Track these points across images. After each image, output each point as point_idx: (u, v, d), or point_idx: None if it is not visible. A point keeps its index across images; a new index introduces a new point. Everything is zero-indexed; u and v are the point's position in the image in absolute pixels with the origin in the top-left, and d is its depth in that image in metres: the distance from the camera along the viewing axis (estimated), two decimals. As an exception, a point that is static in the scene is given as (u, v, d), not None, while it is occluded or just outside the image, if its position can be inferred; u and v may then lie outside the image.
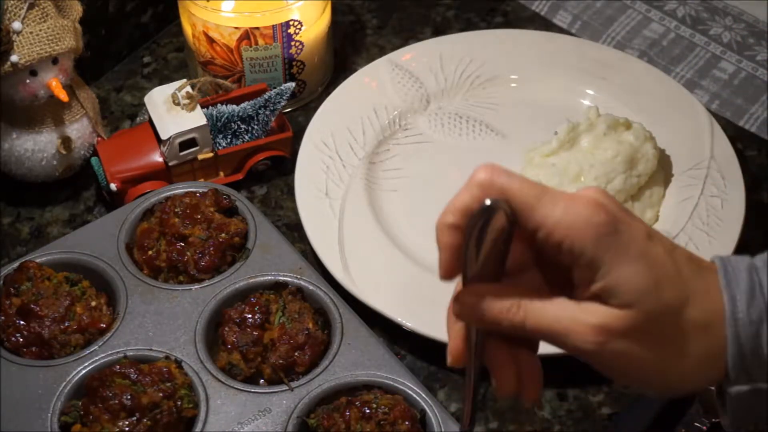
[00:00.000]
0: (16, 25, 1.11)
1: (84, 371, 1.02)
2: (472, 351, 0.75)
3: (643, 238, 0.70)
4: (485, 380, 1.09)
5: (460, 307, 0.74)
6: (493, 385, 0.76)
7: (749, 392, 0.72)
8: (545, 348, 1.07)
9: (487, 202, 0.69)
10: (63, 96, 1.15)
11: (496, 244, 0.70)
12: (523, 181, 0.70)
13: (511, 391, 0.75)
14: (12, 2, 1.11)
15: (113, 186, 1.19)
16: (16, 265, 1.10)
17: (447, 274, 0.73)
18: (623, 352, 0.70)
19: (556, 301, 0.71)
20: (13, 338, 1.05)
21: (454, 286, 1.13)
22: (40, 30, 1.13)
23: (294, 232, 1.22)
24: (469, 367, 0.76)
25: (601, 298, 0.70)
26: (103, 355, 1.04)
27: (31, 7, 1.12)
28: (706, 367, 0.72)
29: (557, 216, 0.69)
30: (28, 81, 1.14)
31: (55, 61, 1.15)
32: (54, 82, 1.15)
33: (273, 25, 1.25)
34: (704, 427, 1.04)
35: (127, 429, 0.97)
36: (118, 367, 1.00)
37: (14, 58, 1.12)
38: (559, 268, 0.72)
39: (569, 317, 0.70)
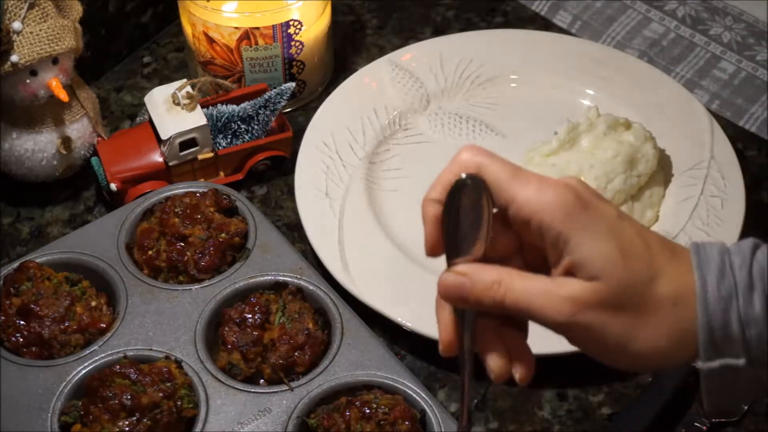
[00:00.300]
0: (16, 25, 1.11)
1: (84, 371, 1.02)
2: (463, 339, 0.76)
3: (612, 217, 0.73)
4: (485, 380, 1.09)
5: (444, 288, 0.75)
6: (487, 370, 0.77)
7: (720, 369, 0.73)
8: (545, 348, 1.08)
9: (462, 175, 0.73)
10: (63, 96, 1.15)
11: (472, 218, 0.73)
12: (502, 161, 0.74)
13: (504, 373, 0.77)
14: (12, 2, 1.11)
15: (113, 186, 1.19)
16: (16, 265, 1.10)
17: (432, 250, 0.76)
18: (593, 324, 0.72)
19: (533, 277, 0.74)
20: (13, 338, 1.05)
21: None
22: (40, 30, 1.13)
23: (294, 232, 1.22)
24: (461, 356, 0.77)
25: (571, 272, 0.72)
26: (103, 355, 1.04)
27: (31, 7, 1.12)
28: (676, 342, 0.73)
29: (528, 194, 0.72)
30: (28, 81, 1.14)
31: (55, 61, 1.15)
32: (54, 82, 1.15)
33: (273, 25, 1.25)
34: (704, 427, 1.04)
35: (127, 429, 0.97)
36: (118, 367, 1.00)
37: (14, 58, 1.12)
38: (537, 252, 0.75)
39: (543, 291, 0.72)
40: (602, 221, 0.72)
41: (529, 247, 0.76)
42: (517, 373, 0.77)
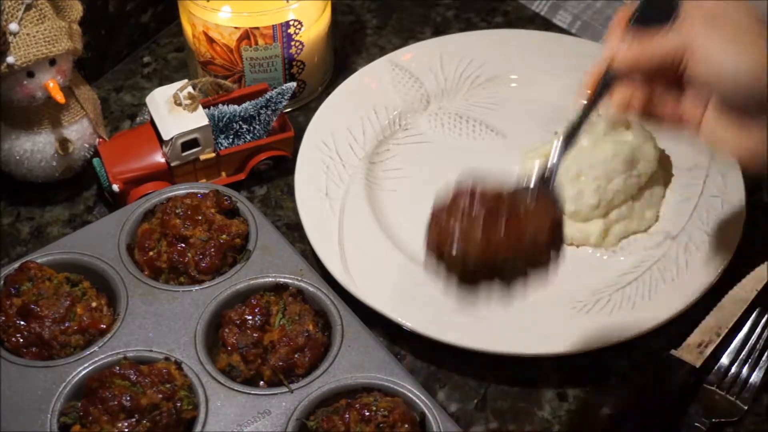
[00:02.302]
0: (13, 26, 1.11)
1: (84, 372, 1.02)
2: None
3: None
4: (485, 380, 1.09)
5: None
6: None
7: None
8: (545, 348, 1.08)
9: None
10: (60, 98, 1.15)
11: None
12: None
13: (627, 100, 0.94)
14: (9, 3, 1.11)
15: (115, 187, 1.19)
16: (16, 265, 1.10)
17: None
18: None
19: None
20: (13, 339, 1.05)
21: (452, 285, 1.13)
22: (37, 32, 1.12)
23: (294, 232, 1.22)
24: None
25: None
26: (103, 356, 1.04)
27: (28, 8, 1.12)
28: None
29: None
30: (25, 82, 1.14)
31: (52, 62, 1.15)
32: (51, 84, 1.15)
33: (273, 25, 1.25)
34: (704, 427, 1.04)
35: (126, 430, 0.97)
36: (117, 368, 1.00)
37: (10, 59, 1.12)
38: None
39: None
40: None
41: None
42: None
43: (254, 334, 1.04)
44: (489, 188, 0.87)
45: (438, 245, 0.86)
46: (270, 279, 1.10)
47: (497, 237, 0.85)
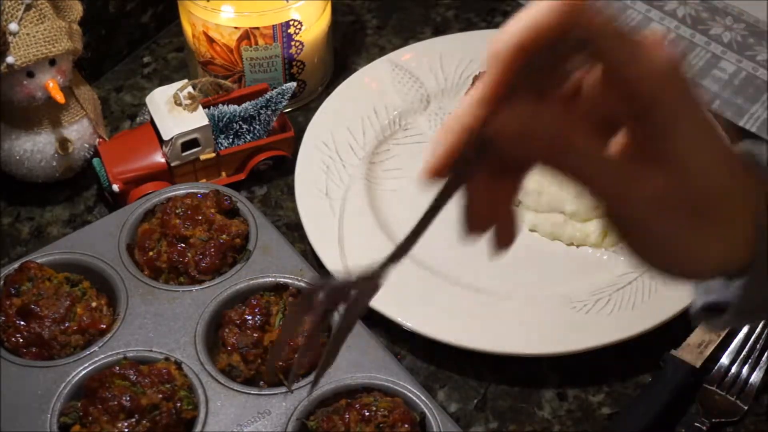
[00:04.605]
0: (13, 26, 1.11)
1: (84, 372, 1.02)
2: (457, 169, 0.63)
3: None
4: (485, 380, 1.09)
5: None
6: (461, 220, 0.66)
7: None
8: (545, 348, 1.08)
9: None
10: (59, 98, 1.15)
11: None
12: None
13: (485, 224, 0.65)
14: (9, 3, 1.11)
15: (116, 187, 1.19)
16: (16, 265, 1.10)
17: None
18: None
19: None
20: (13, 339, 1.05)
21: (453, 287, 1.13)
22: (37, 32, 1.12)
23: (294, 232, 1.22)
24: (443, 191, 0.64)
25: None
26: (102, 356, 1.04)
27: (28, 8, 1.12)
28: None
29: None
30: (25, 82, 1.14)
31: (52, 62, 1.14)
32: (51, 84, 1.15)
33: (273, 25, 1.25)
34: (704, 427, 1.04)
35: (126, 430, 0.97)
36: (117, 368, 1.00)
37: (10, 59, 1.12)
38: None
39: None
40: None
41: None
42: (498, 238, 0.66)
43: (254, 334, 1.04)
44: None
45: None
46: (270, 279, 1.10)
47: None
